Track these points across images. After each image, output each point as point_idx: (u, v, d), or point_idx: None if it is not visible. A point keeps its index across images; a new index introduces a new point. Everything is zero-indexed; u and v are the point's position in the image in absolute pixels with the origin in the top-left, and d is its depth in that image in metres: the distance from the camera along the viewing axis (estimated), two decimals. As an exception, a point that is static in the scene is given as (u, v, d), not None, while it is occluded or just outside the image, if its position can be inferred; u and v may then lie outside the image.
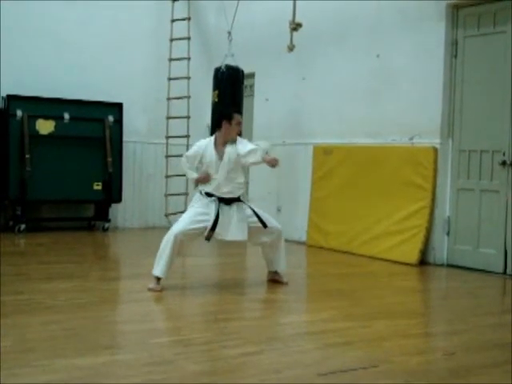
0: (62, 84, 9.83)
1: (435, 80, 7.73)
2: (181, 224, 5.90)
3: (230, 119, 6.04)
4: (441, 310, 5.92)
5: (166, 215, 10.63)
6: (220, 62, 9.28)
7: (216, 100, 9.26)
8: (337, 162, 8.75)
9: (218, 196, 5.96)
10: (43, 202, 9.79)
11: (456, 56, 7.69)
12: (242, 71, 9.29)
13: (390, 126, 8.17)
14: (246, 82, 9.93)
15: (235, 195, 6.04)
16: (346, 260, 7.95)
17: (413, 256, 7.65)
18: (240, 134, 6.29)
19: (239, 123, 6.16)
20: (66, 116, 9.71)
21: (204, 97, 10.25)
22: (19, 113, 9.37)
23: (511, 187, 7.11)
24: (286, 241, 9.33)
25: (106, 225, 10.06)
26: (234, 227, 5.95)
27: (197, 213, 5.95)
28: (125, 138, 10.28)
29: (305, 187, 9.12)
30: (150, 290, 5.75)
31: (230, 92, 9.21)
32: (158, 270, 5.85)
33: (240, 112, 6.93)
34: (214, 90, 9.29)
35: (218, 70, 9.25)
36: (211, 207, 5.93)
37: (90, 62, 10.17)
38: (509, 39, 7.17)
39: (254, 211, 6.05)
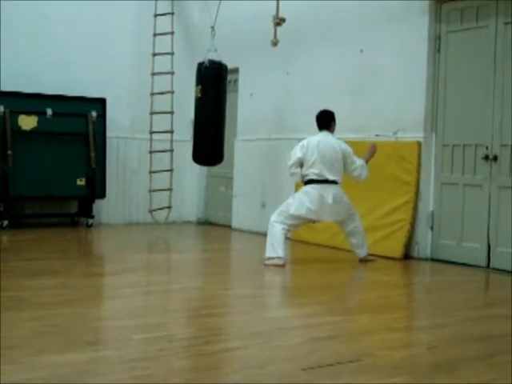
0: (44, 79, 9.75)
1: (418, 75, 7.76)
2: None
3: (335, 120, 7.29)
4: (424, 303, 5.95)
5: (150, 211, 10.61)
6: (204, 57, 9.26)
7: (199, 95, 9.23)
8: (321, 156, 8.75)
9: None
10: (26, 198, 9.73)
11: (439, 51, 7.71)
12: (226, 66, 9.27)
13: (374, 120, 8.19)
14: (230, 77, 9.91)
15: None
16: (330, 255, 7.97)
17: (397, 250, 7.68)
18: None
19: None
20: (49, 112, 9.64)
21: (188, 92, 10.22)
22: (1, 108, 9.29)
23: (494, 181, 7.16)
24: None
25: (90, 221, 10.01)
26: None
27: None
28: (108, 134, 10.23)
29: (289, 182, 9.11)
30: None
31: (214, 87, 9.19)
32: None
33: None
34: (197, 85, 9.26)
35: (201, 65, 9.22)
36: None
37: (73, 57, 10.09)
38: (491, 34, 7.20)
39: None
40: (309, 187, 7.07)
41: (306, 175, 7.10)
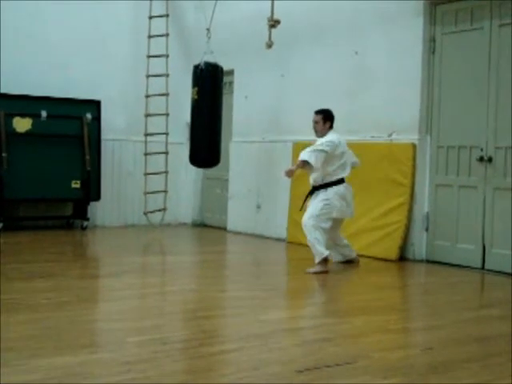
0: (39, 81, 9.72)
1: (413, 77, 7.77)
2: None
3: None
4: (420, 305, 5.96)
5: (145, 213, 10.60)
6: (199, 59, 9.25)
7: (196, 97, 9.22)
8: (316, 158, 8.75)
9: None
10: (21, 200, 9.70)
11: (434, 53, 7.73)
12: (222, 68, 9.27)
13: (369, 122, 8.20)
14: (225, 79, 9.90)
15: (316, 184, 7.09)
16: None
17: (392, 252, 7.69)
18: (316, 131, 7.24)
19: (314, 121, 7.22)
20: (44, 114, 9.62)
21: (183, 94, 10.21)
22: (-5, 110, 9.28)
23: (489, 183, 7.18)
24: (266, 237, 9.43)
25: (85, 223, 9.99)
26: None
27: None
28: (103, 136, 10.21)
29: (284, 184, 9.12)
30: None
31: (210, 89, 9.19)
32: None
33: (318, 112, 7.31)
34: (194, 86, 9.26)
35: (197, 67, 9.22)
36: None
37: (68, 59, 10.06)
38: (486, 36, 7.22)
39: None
40: (340, 187, 7.03)
41: (334, 174, 7.02)
